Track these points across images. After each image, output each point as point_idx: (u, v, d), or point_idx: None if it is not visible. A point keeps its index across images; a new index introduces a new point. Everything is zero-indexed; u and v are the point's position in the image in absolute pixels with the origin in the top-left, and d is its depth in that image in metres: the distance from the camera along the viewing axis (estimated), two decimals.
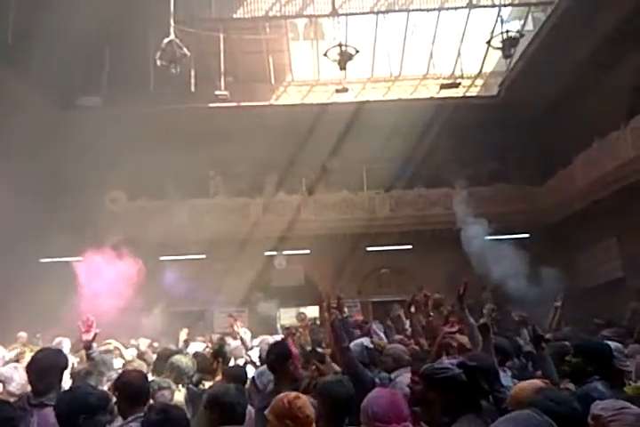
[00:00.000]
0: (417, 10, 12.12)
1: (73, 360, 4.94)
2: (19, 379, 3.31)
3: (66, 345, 5.94)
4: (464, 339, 3.48)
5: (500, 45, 10.57)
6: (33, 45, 9.44)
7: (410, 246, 12.97)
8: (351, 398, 2.55)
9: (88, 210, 11.55)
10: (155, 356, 5.22)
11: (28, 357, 5.03)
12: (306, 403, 2.26)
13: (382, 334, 5.40)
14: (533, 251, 12.40)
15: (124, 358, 5.21)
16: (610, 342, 3.45)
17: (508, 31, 10.49)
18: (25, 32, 9.36)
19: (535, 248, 12.42)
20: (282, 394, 2.34)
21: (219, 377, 3.92)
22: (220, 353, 4.05)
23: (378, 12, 12.15)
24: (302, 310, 12.65)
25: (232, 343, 6.62)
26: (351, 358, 3.31)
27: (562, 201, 12.03)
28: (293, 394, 2.33)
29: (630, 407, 2.01)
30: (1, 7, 8.88)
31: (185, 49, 9.14)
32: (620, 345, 3.41)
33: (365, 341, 4.01)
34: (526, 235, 12.65)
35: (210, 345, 5.62)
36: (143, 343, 5.73)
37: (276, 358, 3.29)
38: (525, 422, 1.60)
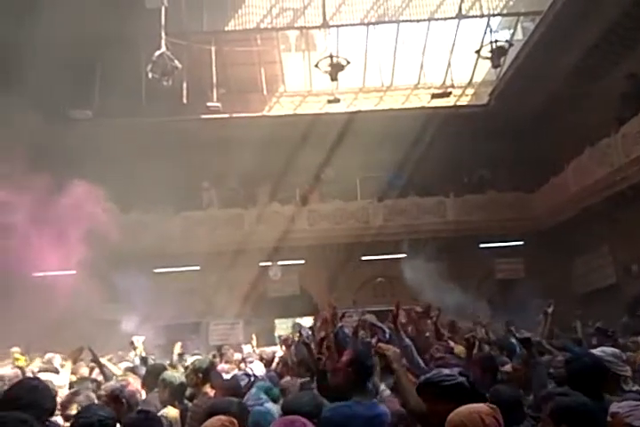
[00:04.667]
0: (407, 21, 12.26)
1: (71, 377, 4.86)
2: None
3: (56, 361, 5.88)
4: (458, 348, 3.49)
5: (489, 55, 10.68)
6: (24, 58, 9.44)
7: (404, 255, 12.95)
8: None
9: None
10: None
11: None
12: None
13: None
14: (527, 258, 12.56)
15: (105, 376, 5.12)
16: (606, 349, 3.46)
17: (496, 41, 10.62)
18: (16, 45, 9.37)
19: (529, 255, 12.53)
20: (214, 419, 2.29)
21: (206, 390, 3.87)
22: (200, 369, 3.97)
23: (368, 24, 12.27)
24: (298, 320, 12.65)
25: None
26: None
27: (554, 208, 12.09)
28: (224, 417, 2.32)
29: None
30: None
31: (176, 61, 9.16)
32: (616, 350, 3.42)
33: None
34: (520, 242, 12.73)
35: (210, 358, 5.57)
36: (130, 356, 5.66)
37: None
38: None
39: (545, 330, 5.04)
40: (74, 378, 4.78)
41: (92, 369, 5.33)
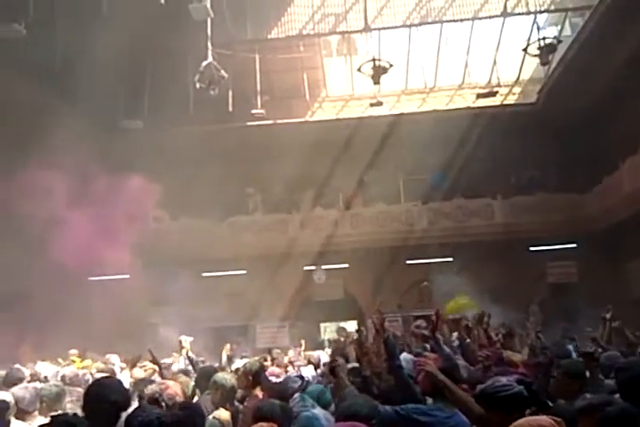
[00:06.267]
0: (450, 21, 12.07)
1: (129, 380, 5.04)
2: (29, 397, 3.47)
3: (115, 360, 6.13)
4: (516, 356, 3.45)
5: (537, 52, 10.40)
6: (78, 73, 9.91)
7: (450, 259, 12.74)
8: None
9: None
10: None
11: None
12: None
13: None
14: (580, 261, 12.10)
15: (163, 377, 5.28)
16: None
17: (544, 38, 10.32)
18: (71, 61, 9.85)
19: (582, 258, 12.06)
20: (256, 426, 2.41)
21: (256, 393, 3.93)
22: (250, 372, 4.03)
23: (411, 25, 12.16)
24: (342, 324, 12.65)
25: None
26: (404, 376, 3.29)
27: (609, 208, 11.61)
28: (266, 424, 2.42)
29: None
30: (48, 36, 9.38)
31: (222, 71, 9.38)
32: None
33: (410, 355, 4.03)
34: (573, 244, 12.28)
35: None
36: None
37: None
38: None
39: (604, 335, 4.88)
40: (131, 380, 4.96)
41: (149, 371, 5.50)
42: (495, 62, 13.00)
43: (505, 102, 13.36)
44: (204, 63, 9.36)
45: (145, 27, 9.85)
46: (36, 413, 3.52)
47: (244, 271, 12.91)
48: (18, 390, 3.59)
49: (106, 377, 3.14)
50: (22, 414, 3.42)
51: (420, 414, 2.72)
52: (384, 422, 2.59)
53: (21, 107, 10.00)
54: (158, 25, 10.05)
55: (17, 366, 5.28)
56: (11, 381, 4.42)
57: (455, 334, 5.30)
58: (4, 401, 3.19)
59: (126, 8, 8.90)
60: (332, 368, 3.61)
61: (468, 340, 4.97)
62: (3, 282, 9.66)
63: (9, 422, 3.16)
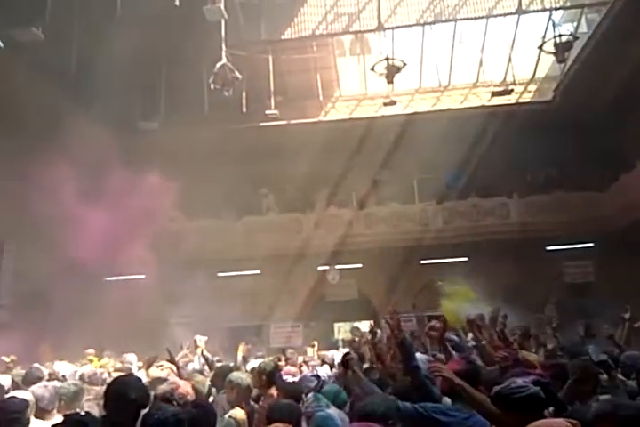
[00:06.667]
0: (465, 19, 11.98)
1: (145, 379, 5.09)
2: (49, 395, 3.51)
3: (132, 359, 6.19)
4: (531, 356, 3.43)
5: (553, 50, 10.28)
6: (94, 75, 10.04)
7: (465, 258, 12.65)
8: None
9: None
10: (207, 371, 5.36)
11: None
12: None
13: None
14: (598, 260, 11.93)
15: (179, 377, 5.31)
16: None
17: (560, 35, 10.21)
18: (87, 64, 9.98)
19: (600, 257, 11.90)
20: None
21: (271, 392, 3.95)
22: (264, 372, 4.05)
23: (424, 24, 12.10)
24: (356, 324, 12.64)
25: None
26: (421, 377, 3.28)
27: (625, 207, 11.43)
28: (281, 425, 2.47)
29: None
30: (65, 39, 9.52)
31: (236, 72, 9.43)
32: None
33: (424, 355, 4.02)
34: (589, 244, 12.13)
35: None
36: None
37: None
38: None
39: (623, 336, 4.82)
40: (147, 379, 5.01)
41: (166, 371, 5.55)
42: (510, 60, 12.88)
43: (520, 100, 13.22)
44: (219, 64, 9.41)
45: (160, 28, 9.96)
46: (55, 411, 3.57)
47: (259, 271, 12.96)
48: (37, 388, 3.64)
49: (125, 375, 3.18)
50: (42, 413, 3.47)
51: (440, 413, 2.74)
52: (404, 418, 2.60)
53: (39, 109, 10.16)
54: (173, 27, 10.14)
55: (36, 365, 5.36)
56: (30, 380, 4.49)
57: (471, 335, 5.27)
58: (24, 400, 3.23)
59: (141, 10, 8.99)
60: (345, 361, 3.62)
61: (484, 341, 4.94)
62: (22, 282, 9.82)
63: (29, 420, 3.21)
